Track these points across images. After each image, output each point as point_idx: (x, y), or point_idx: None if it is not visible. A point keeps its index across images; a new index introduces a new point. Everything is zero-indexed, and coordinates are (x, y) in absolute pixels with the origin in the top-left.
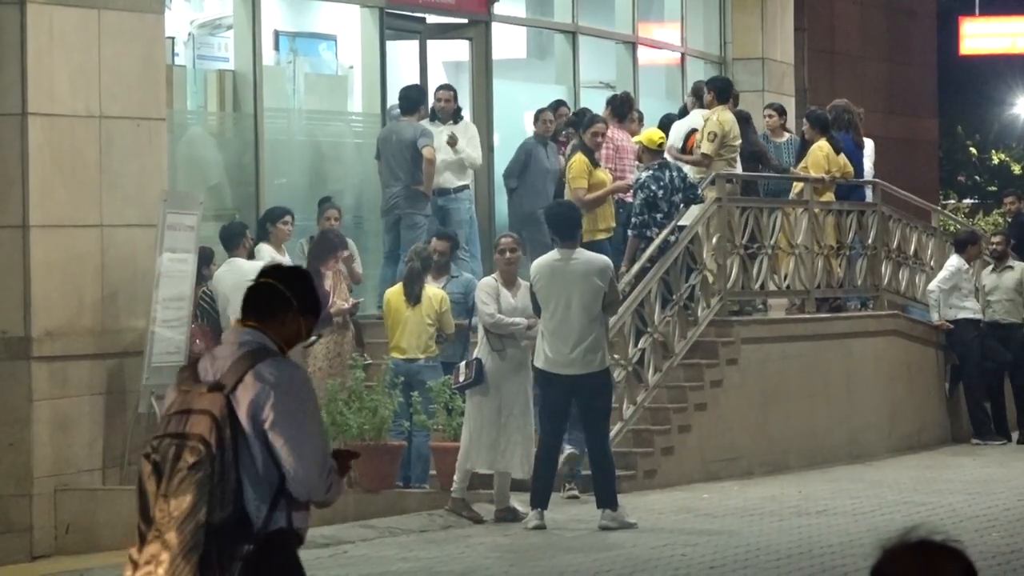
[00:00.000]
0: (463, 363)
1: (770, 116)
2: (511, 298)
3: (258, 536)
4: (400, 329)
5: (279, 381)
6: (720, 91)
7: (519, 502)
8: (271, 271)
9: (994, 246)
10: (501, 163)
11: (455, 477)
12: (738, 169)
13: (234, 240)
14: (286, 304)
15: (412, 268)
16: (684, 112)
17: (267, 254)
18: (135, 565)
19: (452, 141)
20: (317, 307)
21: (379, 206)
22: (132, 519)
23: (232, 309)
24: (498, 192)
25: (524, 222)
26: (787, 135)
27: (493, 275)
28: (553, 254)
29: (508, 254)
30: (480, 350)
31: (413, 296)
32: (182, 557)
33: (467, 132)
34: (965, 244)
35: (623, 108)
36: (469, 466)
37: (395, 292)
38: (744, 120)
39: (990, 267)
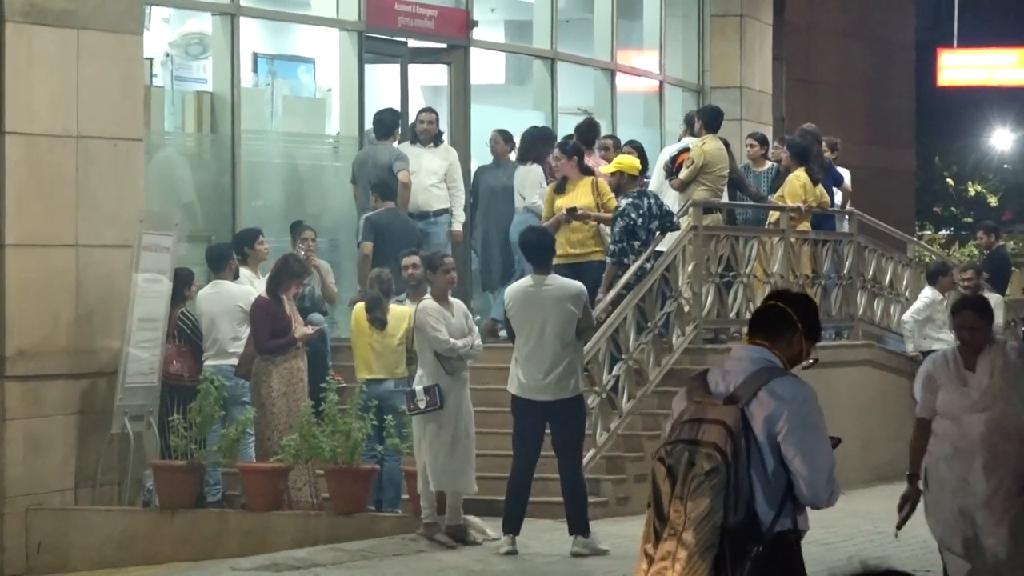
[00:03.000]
0: (420, 388)
1: (751, 145)
2: (451, 318)
3: (766, 537)
4: (367, 350)
5: (792, 398)
6: (709, 120)
7: (491, 528)
8: (779, 295)
9: (965, 281)
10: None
11: (422, 503)
12: (724, 198)
13: (221, 262)
14: (792, 326)
15: (373, 295)
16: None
17: (245, 277)
18: (650, 559)
19: (456, 239)
20: (818, 332)
21: (355, 229)
22: (105, 539)
23: (219, 331)
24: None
25: (482, 242)
26: (768, 164)
27: (427, 296)
28: (527, 280)
29: (453, 273)
30: (432, 374)
31: (377, 322)
32: (699, 556)
33: (448, 156)
34: (936, 275)
35: (588, 134)
36: (433, 488)
37: (361, 314)
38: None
39: None
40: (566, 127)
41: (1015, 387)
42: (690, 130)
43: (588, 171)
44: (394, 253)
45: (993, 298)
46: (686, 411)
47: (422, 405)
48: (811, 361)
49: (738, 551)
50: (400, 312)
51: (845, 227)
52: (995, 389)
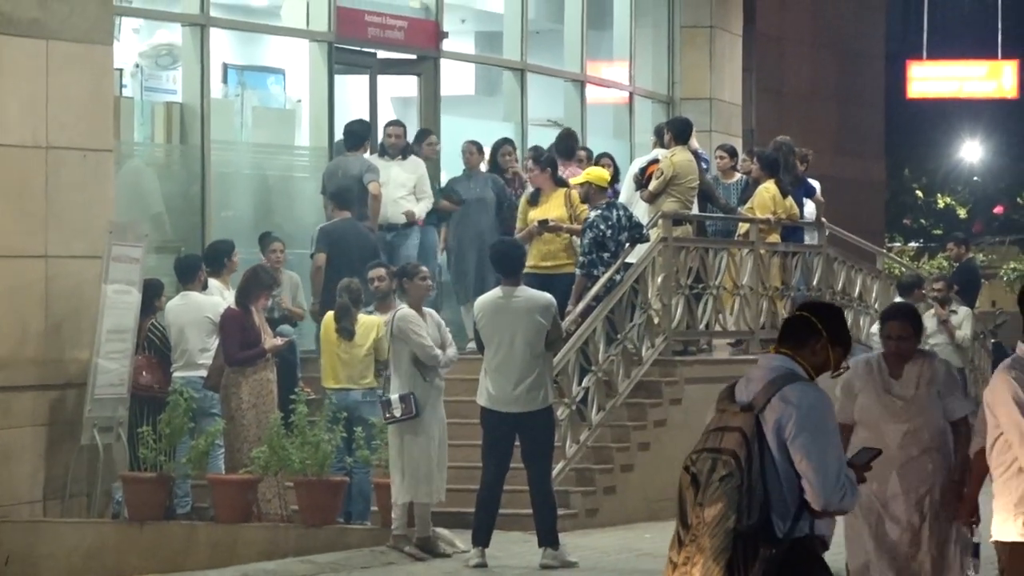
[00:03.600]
0: (395, 397)
1: (721, 157)
2: (427, 328)
3: (783, 542)
4: (334, 360)
5: (801, 402)
6: (678, 132)
7: (460, 540)
8: (806, 305)
9: (935, 292)
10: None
11: (393, 515)
12: (695, 210)
13: (189, 273)
14: (817, 334)
15: (341, 304)
16: None
17: (215, 288)
18: (674, 565)
19: (409, 216)
20: (847, 341)
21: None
22: (74, 551)
23: (187, 342)
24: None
25: (455, 254)
26: (737, 176)
27: (403, 304)
28: (496, 292)
29: (429, 281)
30: (407, 382)
31: (346, 331)
32: (713, 560)
33: (417, 169)
34: (911, 288)
35: (566, 145)
36: (408, 499)
37: (329, 325)
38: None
39: (932, 310)
40: (536, 138)
41: (940, 401)
42: (660, 142)
43: (562, 183)
44: (349, 264)
45: (962, 310)
46: (713, 420)
47: (398, 413)
48: (842, 370)
49: (751, 554)
50: (368, 322)
51: (815, 239)
52: (921, 400)
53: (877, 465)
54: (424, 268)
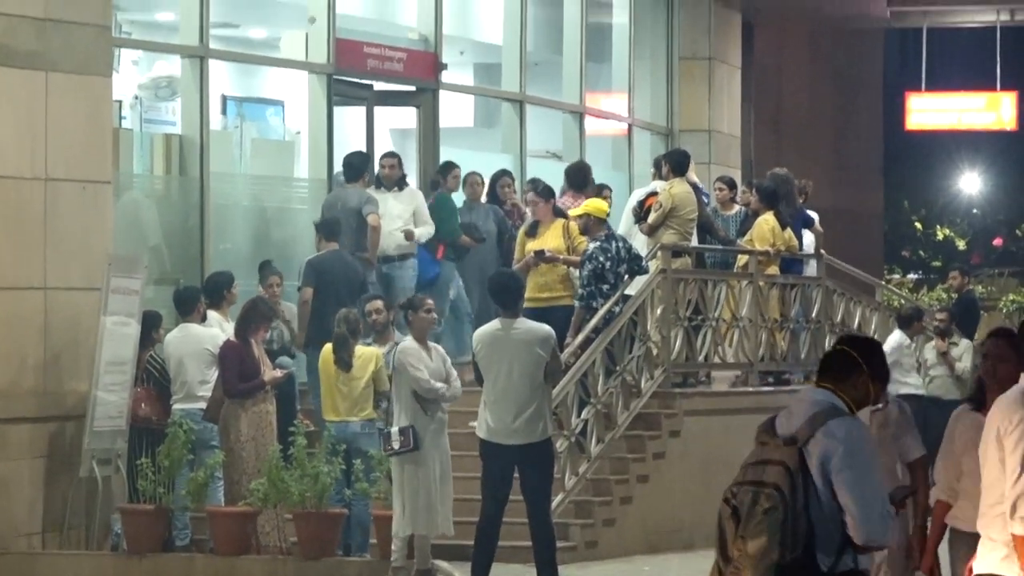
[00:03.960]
0: (396, 429)
1: (720, 189)
2: (429, 361)
3: None
4: (333, 392)
5: (845, 437)
6: (676, 164)
7: (460, 573)
8: (845, 339)
9: (937, 323)
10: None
11: (392, 547)
12: (694, 242)
13: (188, 305)
14: (857, 368)
15: (339, 335)
16: None
17: (214, 320)
18: None
19: (408, 236)
20: (886, 375)
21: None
22: None
23: (187, 374)
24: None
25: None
26: (736, 207)
27: (408, 337)
28: (495, 323)
29: (433, 313)
30: (408, 415)
31: (343, 362)
32: None
33: (413, 200)
34: (910, 320)
35: (578, 177)
36: (409, 531)
37: (328, 357)
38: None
39: (933, 342)
40: (535, 170)
41: (894, 443)
42: (658, 174)
43: (560, 213)
44: (336, 296)
45: (963, 343)
46: (753, 453)
47: (396, 446)
48: (881, 405)
49: None
50: (367, 353)
51: (813, 269)
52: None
53: None
54: (429, 301)
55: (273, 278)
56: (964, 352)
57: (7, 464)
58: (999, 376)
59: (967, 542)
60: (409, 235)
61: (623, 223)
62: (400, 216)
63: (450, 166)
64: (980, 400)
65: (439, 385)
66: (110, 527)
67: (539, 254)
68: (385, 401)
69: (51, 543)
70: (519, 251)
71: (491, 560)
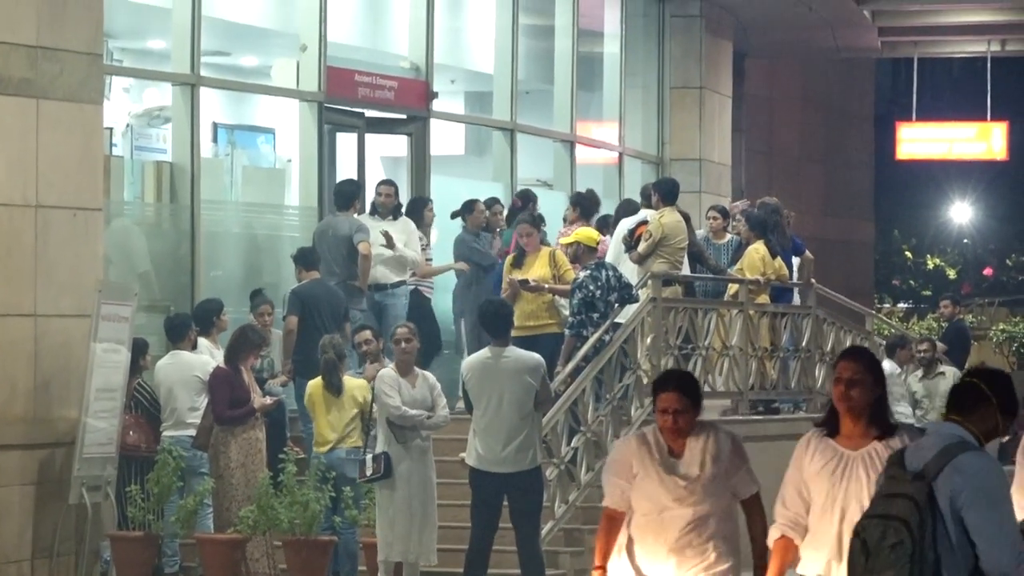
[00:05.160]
0: (369, 456)
1: (714, 218)
2: (411, 389)
3: None
4: (323, 420)
5: (976, 472)
6: (665, 193)
7: None
8: (974, 372)
9: (921, 353)
10: (438, 259)
11: (379, 574)
12: (685, 270)
13: (180, 331)
14: (986, 400)
15: (327, 360)
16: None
17: (204, 347)
18: None
19: (389, 243)
20: (1015, 406)
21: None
22: None
23: (176, 401)
24: (435, 289)
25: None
26: (728, 236)
27: (390, 366)
28: (484, 352)
29: (404, 344)
30: (383, 443)
31: (333, 387)
32: None
33: (406, 228)
34: (895, 348)
35: (591, 207)
36: (384, 558)
37: (316, 385)
38: (684, 220)
39: (918, 374)
40: None
41: (727, 479)
42: (648, 203)
43: (544, 243)
44: (321, 324)
45: (949, 371)
46: (882, 487)
47: (368, 472)
48: (1007, 438)
49: None
50: (356, 383)
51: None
52: (705, 480)
53: (655, 556)
54: (402, 330)
55: (264, 307)
56: (952, 381)
57: None
58: (852, 400)
59: None
60: (387, 236)
61: (611, 252)
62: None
63: (423, 201)
64: (832, 425)
65: (413, 412)
66: (99, 554)
67: (523, 282)
68: (372, 429)
69: (40, 570)
70: (505, 280)
71: None
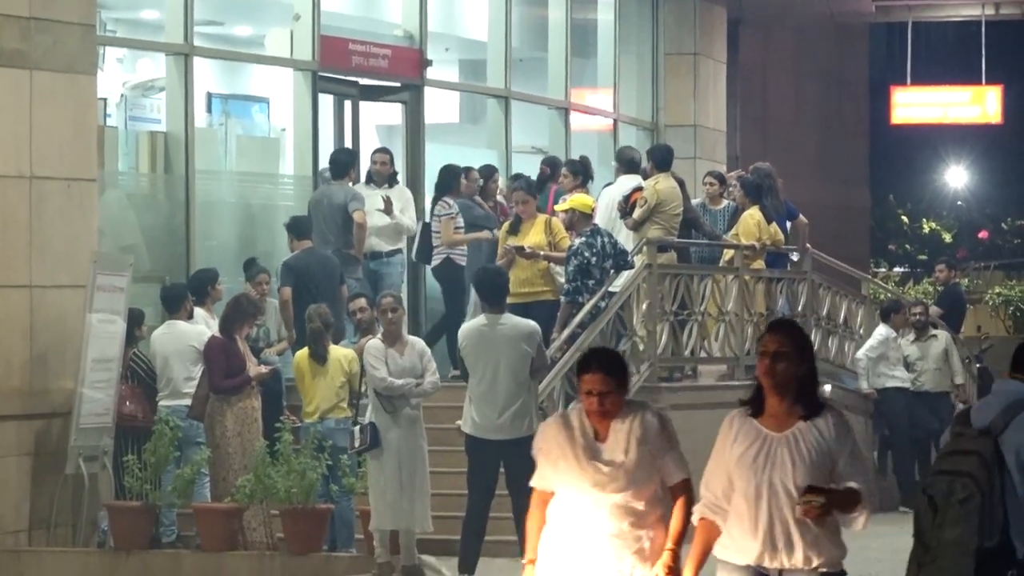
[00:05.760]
0: (357, 428)
1: (711, 184)
2: (399, 358)
3: (1021, 562)
4: (310, 391)
5: None
6: (659, 159)
7: (447, 568)
8: None
9: (916, 316)
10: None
11: (374, 543)
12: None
13: (176, 302)
14: None
15: (313, 329)
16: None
17: (200, 317)
18: None
19: (388, 208)
20: None
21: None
22: None
23: (172, 371)
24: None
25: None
26: (725, 202)
27: (378, 336)
28: (480, 319)
29: (390, 314)
30: (372, 413)
31: (319, 356)
32: None
33: (402, 196)
34: (889, 313)
35: (587, 173)
36: (377, 526)
37: (302, 354)
38: (679, 185)
39: (911, 337)
40: (520, 165)
41: (653, 463)
42: (623, 169)
43: (541, 210)
44: (316, 292)
45: (942, 335)
46: (948, 444)
47: (356, 443)
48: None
49: (992, 575)
50: (342, 352)
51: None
52: (628, 466)
53: (580, 545)
54: (387, 299)
55: (262, 275)
56: (949, 346)
57: None
58: (777, 375)
59: None
60: (387, 200)
61: (601, 218)
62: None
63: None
64: (757, 403)
65: (399, 383)
66: (97, 524)
67: (519, 249)
68: (358, 400)
69: (38, 540)
70: (501, 247)
71: (478, 554)
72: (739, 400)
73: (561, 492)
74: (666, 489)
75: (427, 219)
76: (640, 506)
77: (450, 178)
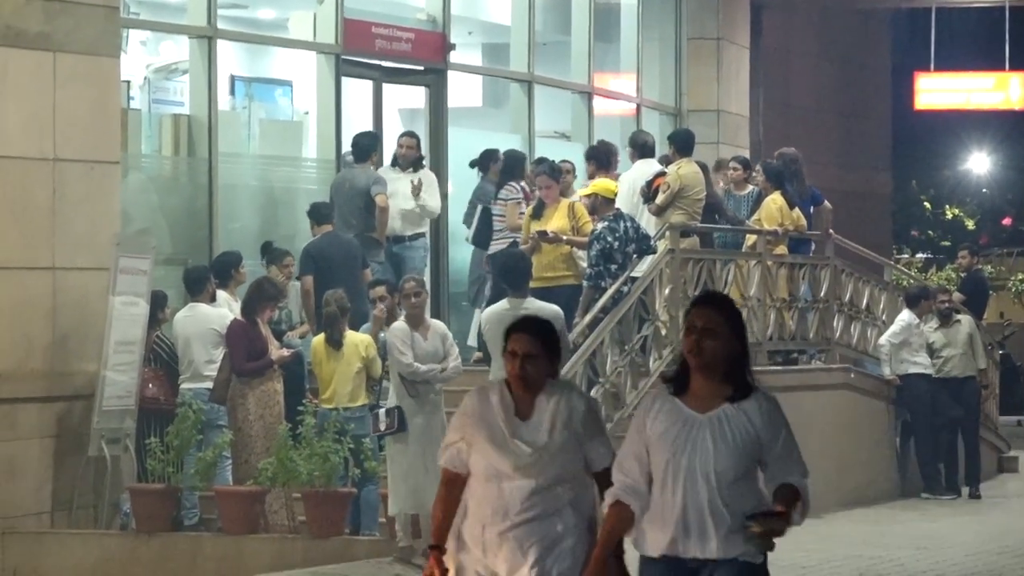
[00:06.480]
0: (382, 411)
1: (735, 169)
2: (423, 342)
3: None
4: (327, 378)
5: None
6: (681, 144)
7: None
8: None
9: (944, 305)
10: (456, 211)
11: (396, 527)
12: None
13: (199, 284)
14: None
15: (329, 313)
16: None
17: (223, 300)
18: None
19: (416, 191)
20: None
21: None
22: (81, 563)
23: (194, 354)
24: (452, 241)
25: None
26: (749, 188)
27: (400, 319)
28: (503, 303)
29: (413, 298)
30: (397, 396)
31: (334, 341)
32: None
33: (427, 180)
34: (917, 299)
35: (607, 158)
36: (398, 511)
37: (319, 340)
38: (703, 171)
39: (934, 324)
40: (543, 150)
41: (579, 447)
42: (637, 154)
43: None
44: (337, 278)
45: (967, 320)
46: None
47: (383, 427)
48: None
49: None
50: (359, 338)
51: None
52: (554, 449)
53: (494, 531)
54: (410, 284)
55: (288, 258)
56: (972, 331)
57: (16, 444)
58: (705, 353)
59: (659, 571)
60: (417, 189)
61: (620, 203)
62: (412, 196)
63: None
64: (681, 382)
65: (424, 367)
66: (119, 506)
67: (542, 234)
68: (378, 386)
69: (60, 522)
70: (525, 232)
71: None
72: (661, 376)
73: (476, 472)
74: (588, 475)
75: (487, 204)
76: (561, 490)
77: (515, 163)
